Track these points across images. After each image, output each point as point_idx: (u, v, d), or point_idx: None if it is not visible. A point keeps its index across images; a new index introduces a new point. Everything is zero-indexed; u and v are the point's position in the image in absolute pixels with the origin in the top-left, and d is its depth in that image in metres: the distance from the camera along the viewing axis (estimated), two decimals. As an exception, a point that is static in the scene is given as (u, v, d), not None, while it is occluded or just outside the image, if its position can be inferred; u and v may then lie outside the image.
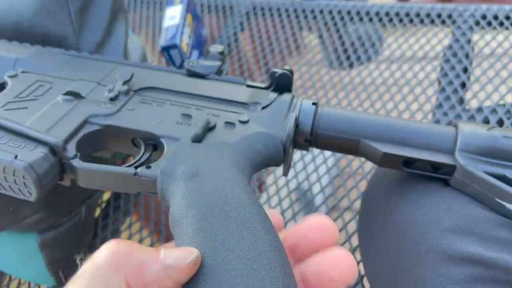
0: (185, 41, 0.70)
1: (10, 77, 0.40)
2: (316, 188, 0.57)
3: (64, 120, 0.36)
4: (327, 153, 0.60)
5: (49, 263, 0.50)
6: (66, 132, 0.35)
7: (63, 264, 0.51)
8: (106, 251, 0.26)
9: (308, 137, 0.38)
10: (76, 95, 0.38)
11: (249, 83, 0.40)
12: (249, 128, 0.36)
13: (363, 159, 0.56)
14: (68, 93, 0.38)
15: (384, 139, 0.36)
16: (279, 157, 0.37)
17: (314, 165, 0.59)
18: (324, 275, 0.29)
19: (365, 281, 0.45)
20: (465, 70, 0.61)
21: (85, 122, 0.36)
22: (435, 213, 0.34)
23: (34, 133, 0.34)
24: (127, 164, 0.34)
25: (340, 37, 0.75)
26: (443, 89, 0.59)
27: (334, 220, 0.51)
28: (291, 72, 0.39)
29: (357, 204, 0.51)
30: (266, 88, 0.40)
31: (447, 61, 0.62)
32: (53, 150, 0.33)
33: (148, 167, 0.33)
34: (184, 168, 0.31)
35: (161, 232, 0.57)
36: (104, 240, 0.56)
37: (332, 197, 0.54)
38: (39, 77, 0.40)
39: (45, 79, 0.40)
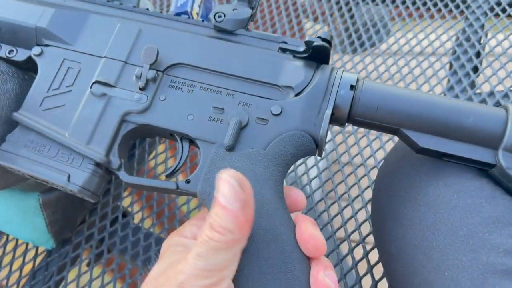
0: (196, 10, 0.69)
1: (37, 55, 0.40)
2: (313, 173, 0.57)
3: (101, 124, 0.37)
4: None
5: (50, 224, 0.49)
6: (106, 141, 0.36)
7: (64, 226, 0.50)
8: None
9: (344, 122, 0.37)
10: (105, 84, 0.38)
11: (283, 44, 0.38)
12: (281, 124, 0.36)
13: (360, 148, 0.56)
14: (98, 83, 0.38)
15: (425, 130, 0.35)
16: (312, 152, 0.37)
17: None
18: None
19: (364, 280, 0.45)
20: (478, 54, 0.60)
21: (121, 123, 0.37)
22: (475, 199, 0.34)
23: (78, 147, 0.36)
24: (169, 172, 0.38)
25: (344, 22, 0.73)
26: (454, 72, 0.59)
27: (329, 207, 0.51)
28: (330, 42, 0.37)
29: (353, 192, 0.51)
30: (302, 54, 0.38)
31: (460, 45, 0.62)
32: (98, 163, 0.36)
33: (188, 181, 0.35)
34: None
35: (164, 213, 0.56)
36: (105, 206, 0.55)
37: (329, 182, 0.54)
38: (65, 54, 0.40)
39: (71, 56, 0.39)
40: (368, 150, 0.55)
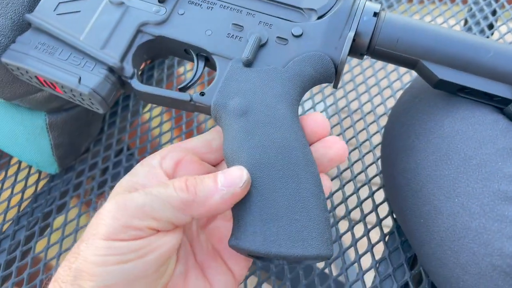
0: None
1: None
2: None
3: (117, 31, 0.36)
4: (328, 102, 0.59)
5: (55, 147, 0.48)
6: (121, 47, 0.36)
7: (68, 151, 0.50)
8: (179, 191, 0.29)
9: (364, 52, 0.37)
10: None
11: None
12: (301, 45, 0.35)
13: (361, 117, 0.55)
14: None
15: (444, 62, 0.35)
16: (330, 77, 0.36)
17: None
18: (324, 158, 0.34)
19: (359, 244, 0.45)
20: (491, 26, 0.60)
21: (137, 32, 0.37)
22: (490, 131, 0.34)
23: (92, 51, 0.35)
24: (182, 85, 0.36)
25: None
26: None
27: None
28: None
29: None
30: None
31: (469, 29, 0.61)
32: (111, 69, 0.35)
33: (202, 94, 0.34)
34: (235, 103, 0.33)
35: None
36: (110, 137, 0.54)
37: None
38: None
39: None
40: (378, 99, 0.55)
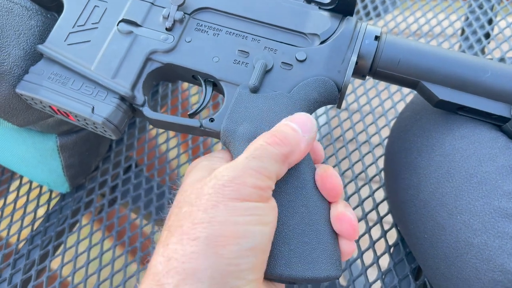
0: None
1: None
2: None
3: (127, 60, 0.38)
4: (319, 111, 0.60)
5: (66, 168, 0.49)
6: (131, 76, 0.37)
7: (79, 171, 0.51)
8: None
9: (366, 73, 0.38)
10: (132, 23, 0.39)
11: None
12: (306, 70, 0.37)
13: (354, 122, 0.56)
14: (124, 21, 0.39)
15: (444, 83, 0.36)
16: (334, 100, 0.38)
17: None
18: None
19: (366, 256, 0.46)
20: (487, 36, 0.61)
21: (147, 60, 0.38)
22: (490, 149, 0.35)
23: (103, 81, 0.37)
24: (192, 112, 0.38)
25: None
26: (466, 38, 0.59)
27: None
28: None
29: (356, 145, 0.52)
30: (328, 5, 0.38)
31: (469, 25, 0.62)
32: (123, 97, 0.36)
33: (212, 120, 0.36)
34: (244, 129, 0.34)
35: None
36: (118, 154, 0.56)
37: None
38: None
39: None
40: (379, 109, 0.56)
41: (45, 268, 0.48)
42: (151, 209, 0.51)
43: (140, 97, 0.37)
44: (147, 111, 0.37)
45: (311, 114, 0.37)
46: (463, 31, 0.61)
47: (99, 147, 0.52)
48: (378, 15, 0.68)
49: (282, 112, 0.35)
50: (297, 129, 0.32)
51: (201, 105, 0.38)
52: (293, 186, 0.33)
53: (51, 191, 0.54)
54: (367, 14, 0.67)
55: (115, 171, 0.54)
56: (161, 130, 0.58)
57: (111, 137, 0.38)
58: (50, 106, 0.38)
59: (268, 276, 0.31)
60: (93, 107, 0.36)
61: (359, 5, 0.68)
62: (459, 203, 0.35)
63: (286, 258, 0.31)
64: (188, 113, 0.38)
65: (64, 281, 0.47)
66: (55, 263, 0.49)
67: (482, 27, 0.59)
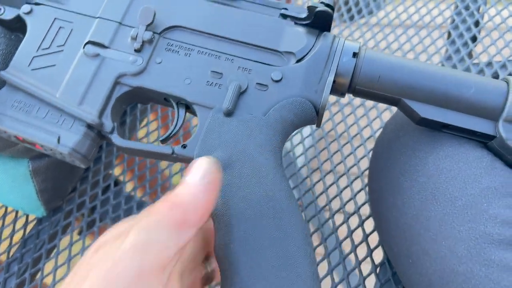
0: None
1: (27, 14, 0.38)
2: (298, 150, 0.57)
3: (94, 85, 0.36)
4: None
5: (40, 192, 0.48)
6: (98, 102, 0.35)
7: (54, 194, 0.49)
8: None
9: (345, 91, 0.36)
10: (99, 45, 0.37)
11: (284, 11, 0.37)
12: (281, 91, 0.35)
13: (348, 122, 0.55)
14: (91, 43, 0.37)
15: (426, 100, 0.35)
16: (312, 120, 0.36)
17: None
18: None
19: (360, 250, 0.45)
20: (477, 24, 0.59)
21: (115, 85, 0.36)
22: (475, 170, 0.34)
23: (69, 108, 0.35)
24: (163, 137, 0.36)
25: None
26: (453, 42, 0.58)
27: (316, 183, 0.50)
28: (333, 8, 0.36)
29: (340, 168, 0.50)
30: (304, 20, 0.37)
31: (458, 13, 0.60)
32: (90, 125, 0.35)
33: (184, 146, 0.34)
34: (218, 157, 0.33)
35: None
36: (96, 173, 0.54)
37: (315, 159, 0.53)
38: (56, 14, 0.38)
39: (62, 16, 0.38)
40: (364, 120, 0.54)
41: (21, 297, 0.47)
42: (131, 231, 0.49)
43: (108, 124, 0.35)
44: (116, 138, 0.35)
45: (288, 136, 0.36)
46: (453, 20, 0.59)
47: (75, 169, 0.51)
48: (370, 12, 0.66)
49: (257, 136, 0.34)
50: (188, 183, 0.27)
51: (173, 129, 0.36)
52: (269, 215, 0.31)
53: (27, 215, 0.52)
54: (359, 11, 0.65)
55: (93, 191, 0.52)
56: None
57: (80, 166, 0.36)
58: (15, 136, 0.36)
59: None
60: (59, 136, 0.34)
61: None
62: (444, 228, 0.33)
63: None
64: (160, 139, 0.36)
65: (42, 311, 0.46)
66: (32, 291, 0.47)
67: (471, 15, 0.58)
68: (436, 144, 0.36)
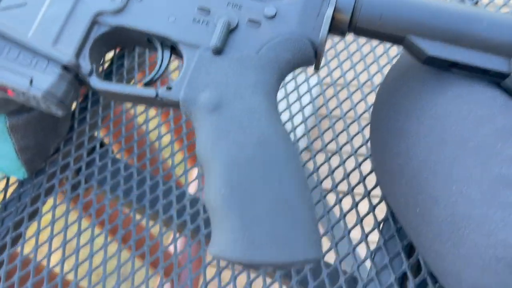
0: None
1: None
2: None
3: (69, 24, 0.33)
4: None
5: (20, 151, 0.44)
6: (75, 42, 0.32)
7: (36, 154, 0.46)
8: None
9: (345, 30, 0.33)
10: None
11: None
12: (276, 27, 0.32)
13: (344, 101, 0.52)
14: None
15: (433, 37, 0.32)
16: (310, 60, 0.33)
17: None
18: None
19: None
20: None
21: (93, 24, 0.33)
22: (487, 110, 0.31)
23: (42, 49, 0.32)
24: (147, 80, 0.33)
25: None
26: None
27: (307, 161, 0.47)
28: None
29: (332, 146, 0.47)
30: None
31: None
32: (66, 66, 0.32)
33: (169, 88, 0.31)
34: (206, 97, 0.30)
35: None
36: (81, 134, 0.51)
37: (305, 137, 0.50)
38: None
39: None
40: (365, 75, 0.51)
41: (2, 262, 0.44)
42: (118, 193, 0.46)
43: (86, 65, 0.32)
44: (94, 81, 0.32)
45: (284, 78, 0.33)
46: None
47: (57, 127, 0.47)
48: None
49: (250, 76, 0.31)
50: None
51: (157, 72, 0.33)
52: (263, 159, 0.29)
53: (8, 178, 0.49)
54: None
55: (77, 153, 0.49)
56: (128, 105, 0.53)
57: (57, 113, 0.33)
58: None
59: (237, 262, 0.27)
60: (32, 78, 0.31)
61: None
62: (454, 172, 0.30)
63: (258, 241, 0.27)
64: (143, 82, 0.33)
65: (23, 276, 0.43)
66: (14, 257, 0.44)
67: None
68: (444, 85, 0.34)
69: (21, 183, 0.48)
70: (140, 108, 0.53)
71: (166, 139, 0.51)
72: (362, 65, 0.52)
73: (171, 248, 0.44)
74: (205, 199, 0.29)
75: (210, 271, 0.39)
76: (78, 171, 0.49)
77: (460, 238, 0.30)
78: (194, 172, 0.69)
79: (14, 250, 0.45)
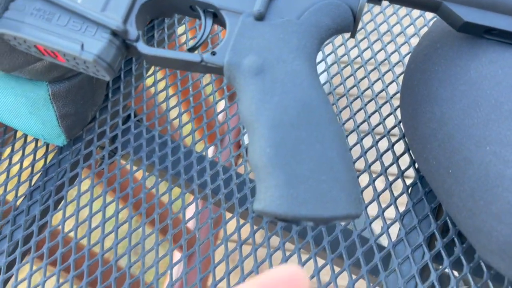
0: None
1: None
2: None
3: None
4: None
5: (61, 118, 0.46)
6: (122, 8, 0.33)
7: (75, 121, 0.48)
8: None
9: None
10: None
11: None
12: None
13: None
14: None
15: (469, 2, 0.33)
16: (348, 27, 0.34)
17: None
18: None
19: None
20: None
21: None
22: None
23: (92, 14, 0.33)
24: (191, 46, 0.34)
25: None
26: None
27: (343, 109, 0.48)
28: None
29: (368, 92, 0.48)
30: None
31: None
32: (115, 32, 0.33)
33: (213, 53, 0.32)
34: (250, 62, 0.31)
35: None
36: (116, 104, 0.52)
37: (341, 86, 0.51)
38: None
39: None
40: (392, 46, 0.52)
41: (46, 223, 0.46)
42: (154, 159, 0.48)
43: (133, 31, 0.34)
44: (141, 46, 0.34)
45: (323, 43, 0.34)
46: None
47: (95, 95, 0.49)
48: None
49: (292, 41, 0.32)
50: None
51: (200, 38, 0.35)
52: (306, 121, 0.30)
53: (47, 145, 0.51)
54: None
55: (113, 121, 0.51)
56: (159, 76, 0.55)
57: (105, 77, 0.35)
58: (35, 46, 0.34)
59: (282, 217, 0.29)
60: (83, 43, 0.33)
61: None
62: (488, 134, 0.32)
63: (302, 197, 0.29)
64: (187, 48, 0.35)
65: (67, 237, 0.45)
66: (56, 218, 0.47)
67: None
68: (478, 51, 0.34)
69: (60, 150, 0.50)
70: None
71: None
72: (379, 44, 0.53)
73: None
74: (250, 158, 0.31)
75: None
76: (114, 138, 0.51)
77: (493, 196, 0.31)
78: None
79: (56, 214, 0.47)
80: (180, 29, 0.58)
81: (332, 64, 0.53)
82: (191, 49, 0.35)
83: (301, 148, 0.29)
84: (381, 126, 0.46)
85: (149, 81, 0.56)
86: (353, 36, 0.36)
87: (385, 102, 0.48)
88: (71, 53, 0.33)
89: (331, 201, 0.29)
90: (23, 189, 0.49)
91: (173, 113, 0.53)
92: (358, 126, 0.47)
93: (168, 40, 0.56)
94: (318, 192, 0.29)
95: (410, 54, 0.41)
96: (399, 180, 0.43)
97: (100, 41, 0.33)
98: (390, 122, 0.47)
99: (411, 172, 0.43)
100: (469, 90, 0.34)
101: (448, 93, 0.35)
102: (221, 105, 1.15)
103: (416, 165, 0.43)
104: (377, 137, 0.46)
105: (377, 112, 0.48)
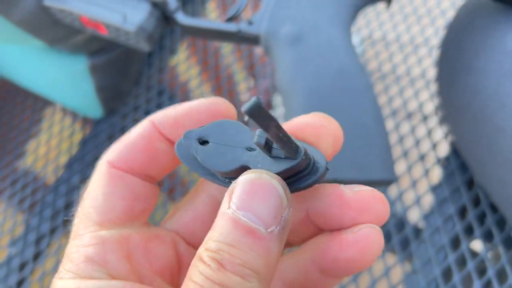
0: None
1: None
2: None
3: None
4: None
5: (99, 90, 0.48)
6: None
7: (112, 94, 0.50)
8: None
9: None
10: None
11: None
12: None
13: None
14: None
15: None
16: None
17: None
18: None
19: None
20: None
21: None
22: None
23: None
24: (228, 16, 0.35)
25: None
26: None
27: None
28: None
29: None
30: None
31: None
32: (155, 3, 0.34)
33: (250, 23, 0.33)
34: (287, 31, 0.32)
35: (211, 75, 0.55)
36: (150, 79, 0.54)
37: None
38: None
39: None
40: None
41: (86, 192, 0.48)
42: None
43: (172, 2, 0.35)
44: (181, 17, 0.35)
45: (358, 11, 0.34)
46: None
47: (130, 69, 0.51)
48: None
49: (327, 10, 0.32)
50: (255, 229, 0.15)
51: (238, 9, 0.35)
52: (341, 88, 0.31)
53: (84, 119, 0.53)
54: None
55: (148, 95, 0.53)
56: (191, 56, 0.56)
57: (145, 48, 0.36)
58: (79, 18, 0.35)
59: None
60: (125, 15, 0.34)
61: None
62: None
63: (338, 162, 0.29)
64: (226, 18, 0.35)
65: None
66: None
67: None
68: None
69: (97, 123, 0.52)
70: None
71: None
72: (404, 25, 0.52)
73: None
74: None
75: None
76: (148, 113, 0.52)
77: (526, 165, 0.31)
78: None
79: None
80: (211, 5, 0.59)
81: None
82: (230, 19, 0.35)
83: (337, 114, 0.30)
84: (415, 101, 0.47)
85: (181, 58, 0.57)
86: (389, 4, 0.36)
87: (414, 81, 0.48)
88: (115, 24, 0.34)
89: (367, 165, 0.30)
90: (63, 160, 0.51)
91: (205, 89, 0.54)
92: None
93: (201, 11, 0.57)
94: (354, 157, 0.30)
95: (448, 24, 0.41)
96: (432, 152, 0.43)
97: (141, 12, 0.34)
98: (423, 97, 0.47)
99: (443, 146, 0.44)
100: (505, 60, 0.33)
101: (483, 63, 0.35)
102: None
103: (448, 138, 0.43)
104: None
105: (410, 88, 0.48)
